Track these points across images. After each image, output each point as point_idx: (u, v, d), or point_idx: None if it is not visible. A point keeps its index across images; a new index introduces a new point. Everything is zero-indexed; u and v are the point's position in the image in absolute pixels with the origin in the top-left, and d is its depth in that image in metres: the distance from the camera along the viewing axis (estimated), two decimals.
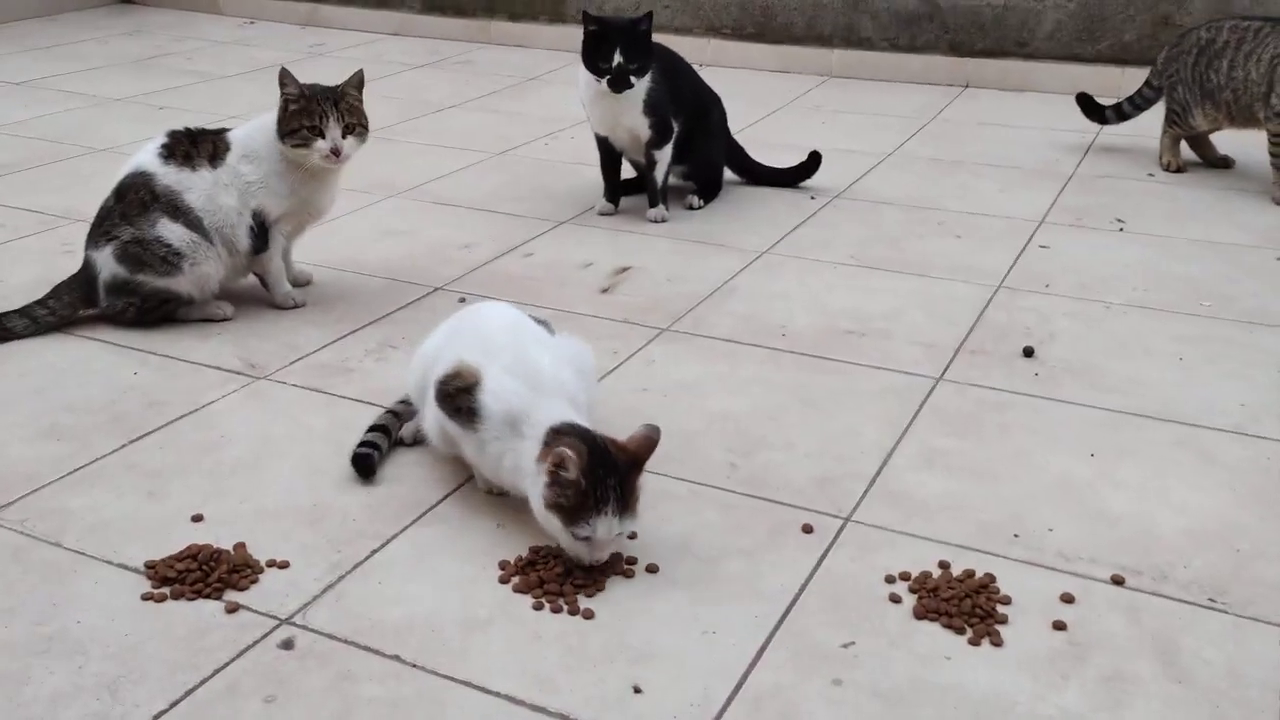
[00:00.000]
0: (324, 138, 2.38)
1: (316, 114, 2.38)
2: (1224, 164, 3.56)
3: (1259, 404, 2.15)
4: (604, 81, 2.90)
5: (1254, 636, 1.55)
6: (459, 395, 1.74)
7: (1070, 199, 3.30)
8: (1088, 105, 3.74)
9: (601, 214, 3.17)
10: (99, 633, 1.54)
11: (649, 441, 1.66)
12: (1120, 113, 3.67)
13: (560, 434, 1.62)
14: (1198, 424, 2.08)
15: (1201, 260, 2.85)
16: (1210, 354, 2.35)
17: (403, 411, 2.02)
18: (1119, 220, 3.12)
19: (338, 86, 2.44)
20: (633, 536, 1.71)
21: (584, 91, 3.03)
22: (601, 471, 1.59)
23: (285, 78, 2.41)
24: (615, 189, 3.19)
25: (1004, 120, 4.15)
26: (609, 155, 3.15)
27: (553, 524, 1.62)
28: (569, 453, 1.56)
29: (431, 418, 1.83)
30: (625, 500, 1.61)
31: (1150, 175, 3.50)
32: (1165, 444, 2.02)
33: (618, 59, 2.88)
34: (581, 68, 2.97)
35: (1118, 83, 4.36)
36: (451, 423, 1.76)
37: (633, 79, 2.90)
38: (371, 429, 1.97)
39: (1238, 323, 2.50)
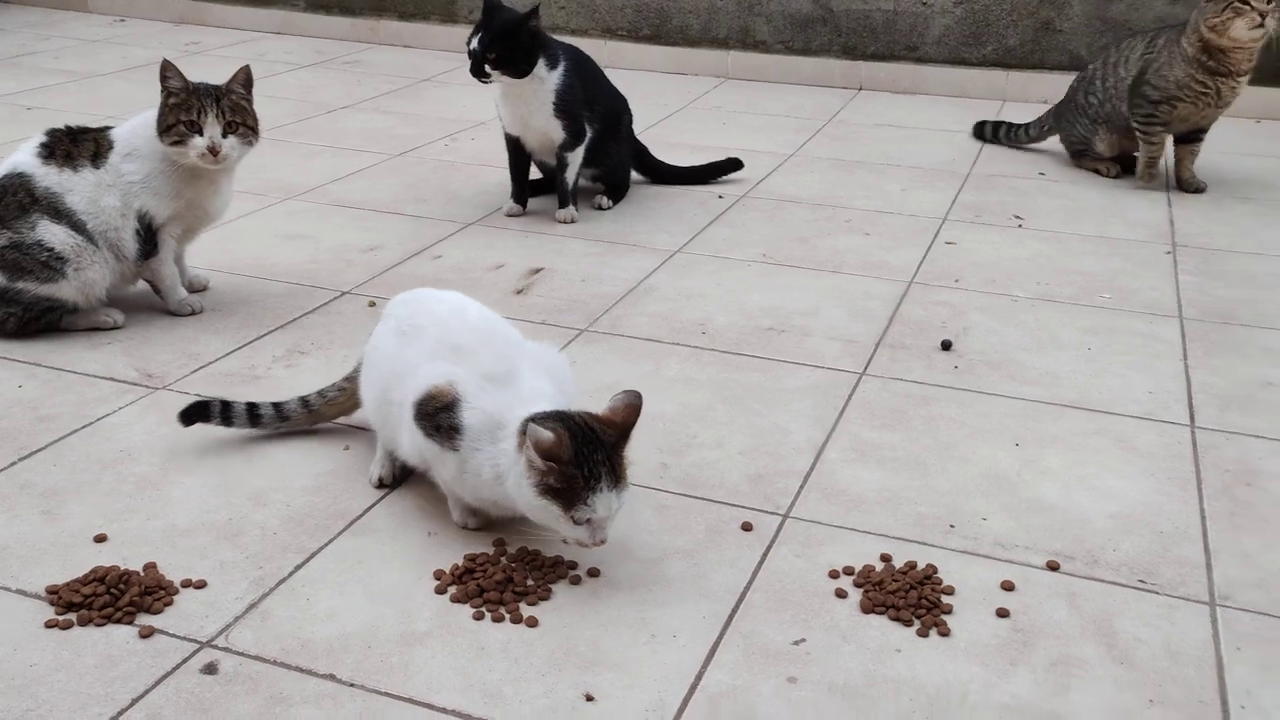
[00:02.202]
0: (201, 135, 2.26)
1: (195, 109, 2.25)
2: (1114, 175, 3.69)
3: (1166, 391, 2.22)
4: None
5: (1185, 616, 1.58)
6: (439, 415, 1.63)
7: (969, 197, 3.38)
8: (979, 131, 3.97)
9: (509, 215, 3.11)
10: (0, 665, 1.42)
11: (631, 409, 1.59)
12: (998, 135, 3.90)
13: (534, 421, 1.55)
14: (1112, 411, 2.13)
15: (1097, 255, 2.94)
16: (1116, 345, 2.42)
17: (291, 414, 1.94)
18: (1017, 217, 3.20)
19: (222, 84, 2.32)
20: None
21: (496, 91, 2.96)
22: (587, 449, 1.52)
23: (167, 70, 2.28)
24: (523, 190, 3.13)
25: (898, 121, 4.23)
26: (518, 156, 3.09)
27: (550, 513, 1.54)
28: (541, 430, 1.49)
29: (409, 440, 1.70)
30: (616, 473, 1.55)
31: (1041, 174, 3.60)
32: (1084, 432, 2.06)
33: (474, 44, 2.83)
34: None
35: (1002, 86, 4.51)
36: (429, 443, 1.65)
37: (488, 68, 2.82)
38: (248, 403, 1.92)
39: (1138, 314, 2.58)
